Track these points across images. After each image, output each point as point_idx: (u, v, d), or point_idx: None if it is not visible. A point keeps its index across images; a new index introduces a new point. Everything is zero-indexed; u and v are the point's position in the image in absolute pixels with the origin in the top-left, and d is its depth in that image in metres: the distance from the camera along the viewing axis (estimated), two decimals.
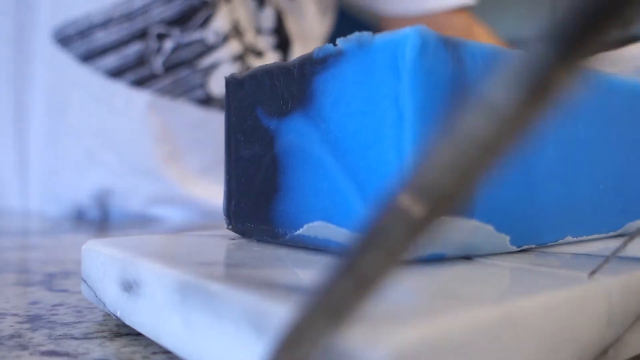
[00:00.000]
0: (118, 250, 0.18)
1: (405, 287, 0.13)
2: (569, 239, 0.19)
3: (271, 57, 0.60)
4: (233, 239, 0.22)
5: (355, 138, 0.16)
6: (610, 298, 0.13)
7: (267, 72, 0.19)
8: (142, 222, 0.58)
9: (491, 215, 0.16)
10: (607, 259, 0.15)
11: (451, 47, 0.15)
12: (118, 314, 0.17)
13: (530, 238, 0.18)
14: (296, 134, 0.18)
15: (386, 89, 0.15)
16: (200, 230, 0.26)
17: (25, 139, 0.61)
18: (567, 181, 0.19)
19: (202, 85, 0.56)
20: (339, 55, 0.16)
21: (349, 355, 0.09)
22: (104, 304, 0.18)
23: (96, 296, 0.19)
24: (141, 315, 0.16)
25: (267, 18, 0.59)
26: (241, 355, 0.12)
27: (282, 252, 0.19)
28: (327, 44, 0.17)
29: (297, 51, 0.62)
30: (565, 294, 0.12)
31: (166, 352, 0.16)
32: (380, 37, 0.15)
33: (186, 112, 0.56)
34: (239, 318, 0.12)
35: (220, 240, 0.21)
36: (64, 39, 0.56)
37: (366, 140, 0.16)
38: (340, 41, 0.16)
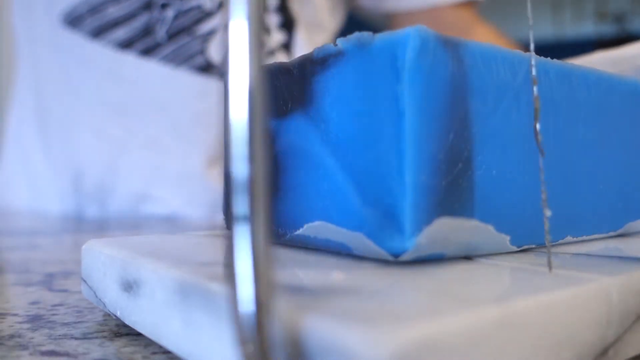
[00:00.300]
0: (118, 250, 0.18)
1: (405, 287, 0.13)
2: (569, 239, 0.19)
3: (277, 36, 0.60)
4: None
5: (355, 138, 0.16)
6: (610, 298, 0.13)
7: (267, 72, 0.19)
8: (142, 218, 0.58)
9: (491, 215, 0.16)
10: (549, 252, 0.15)
11: (451, 47, 0.15)
12: (118, 314, 0.17)
13: (530, 238, 0.18)
14: (296, 134, 0.18)
15: (386, 89, 0.15)
16: (200, 230, 0.26)
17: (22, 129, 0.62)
18: (567, 181, 0.19)
19: (202, 51, 0.57)
20: (339, 55, 0.16)
21: (349, 355, 0.09)
22: (104, 304, 0.18)
23: (96, 296, 0.19)
24: (141, 315, 0.16)
25: None
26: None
27: (282, 252, 0.19)
28: (327, 44, 0.17)
29: (303, 35, 0.62)
30: (565, 294, 0.12)
31: (166, 352, 0.16)
32: (380, 37, 0.15)
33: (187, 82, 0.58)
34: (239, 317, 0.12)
35: (220, 241, 0.21)
36: (75, 19, 0.56)
37: (366, 140, 0.16)
38: (340, 41, 0.16)
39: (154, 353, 0.16)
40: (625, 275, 0.14)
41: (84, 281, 0.20)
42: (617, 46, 0.30)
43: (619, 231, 0.21)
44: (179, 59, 0.57)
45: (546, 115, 0.18)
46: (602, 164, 0.20)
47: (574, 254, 0.18)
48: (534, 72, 0.17)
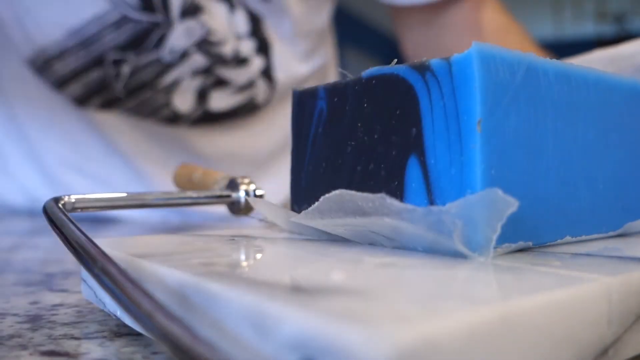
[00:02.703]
0: (118, 250, 0.18)
1: (405, 287, 0.13)
2: (568, 238, 0.19)
3: (256, 62, 0.58)
4: (233, 239, 0.22)
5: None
6: (610, 298, 0.13)
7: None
8: (141, 219, 0.58)
9: None
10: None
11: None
12: (118, 314, 0.17)
13: (529, 238, 0.18)
14: None
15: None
16: (200, 230, 0.26)
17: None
18: (567, 181, 0.19)
19: (167, 104, 0.56)
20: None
21: (349, 355, 0.09)
22: (104, 304, 0.18)
23: (96, 296, 0.19)
24: None
25: (240, 22, 0.57)
26: (241, 356, 0.12)
27: (283, 252, 0.19)
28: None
29: (279, 52, 0.60)
30: (565, 294, 0.12)
31: (166, 352, 0.16)
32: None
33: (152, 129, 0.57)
34: (239, 318, 0.12)
35: (220, 240, 0.21)
36: (38, 68, 0.56)
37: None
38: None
39: (154, 353, 0.16)
40: (625, 275, 0.14)
41: (84, 281, 0.20)
42: (616, 44, 0.30)
43: (619, 231, 0.21)
44: (144, 112, 0.57)
45: (545, 115, 0.18)
46: (602, 164, 0.20)
47: (574, 254, 0.18)
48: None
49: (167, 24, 0.53)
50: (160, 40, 0.54)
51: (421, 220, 0.16)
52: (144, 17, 0.52)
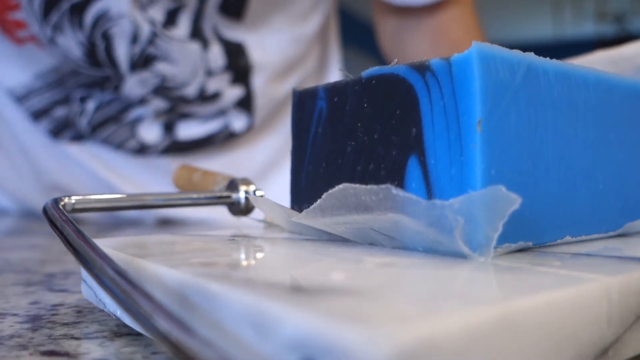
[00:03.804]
0: (118, 250, 0.18)
1: (405, 287, 0.13)
2: (568, 238, 0.19)
3: (230, 94, 0.57)
4: (233, 239, 0.22)
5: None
6: (610, 298, 0.13)
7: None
8: (140, 220, 0.58)
9: None
10: None
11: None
12: (118, 314, 0.17)
13: (529, 238, 0.18)
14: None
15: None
16: (200, 230, 0.26)
17: None
18: (567, 181, 0.19)
19: (133, 135, 0.57)
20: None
21: (349, 355, 0.09)
22: (104, 304, 0.18)
23: (96, 296, 0.19)
24: None
25: (214, 58, 0.55)
26: (241, 356, 0.12)
27: (282, 252, 0.19)
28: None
29: (260, 76, 0.58)
30: (565, 294, 0.12)
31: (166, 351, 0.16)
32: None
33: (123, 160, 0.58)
34: (239, 318, 0.12)
35: (220, 240, 0.21)
36: (18, 97, 0.57)
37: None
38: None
39: (154, 353, 0.16)
40: (625, 275, 0.14)
41: (84, 281, 0.20)
42: (617, 46, 0.30)
43: (619, 231, 0.21)
44: (112, 145, 0.57)
45: (545, 115, 0.18)
46: (602, 164, 0.20)
47: (574, 254, 0.18)
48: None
49: (118, 77, 0.53)
50: (117, 88, 0.54)
51: (423, 215, 0.16)
52: (93, 72, 0.53)
